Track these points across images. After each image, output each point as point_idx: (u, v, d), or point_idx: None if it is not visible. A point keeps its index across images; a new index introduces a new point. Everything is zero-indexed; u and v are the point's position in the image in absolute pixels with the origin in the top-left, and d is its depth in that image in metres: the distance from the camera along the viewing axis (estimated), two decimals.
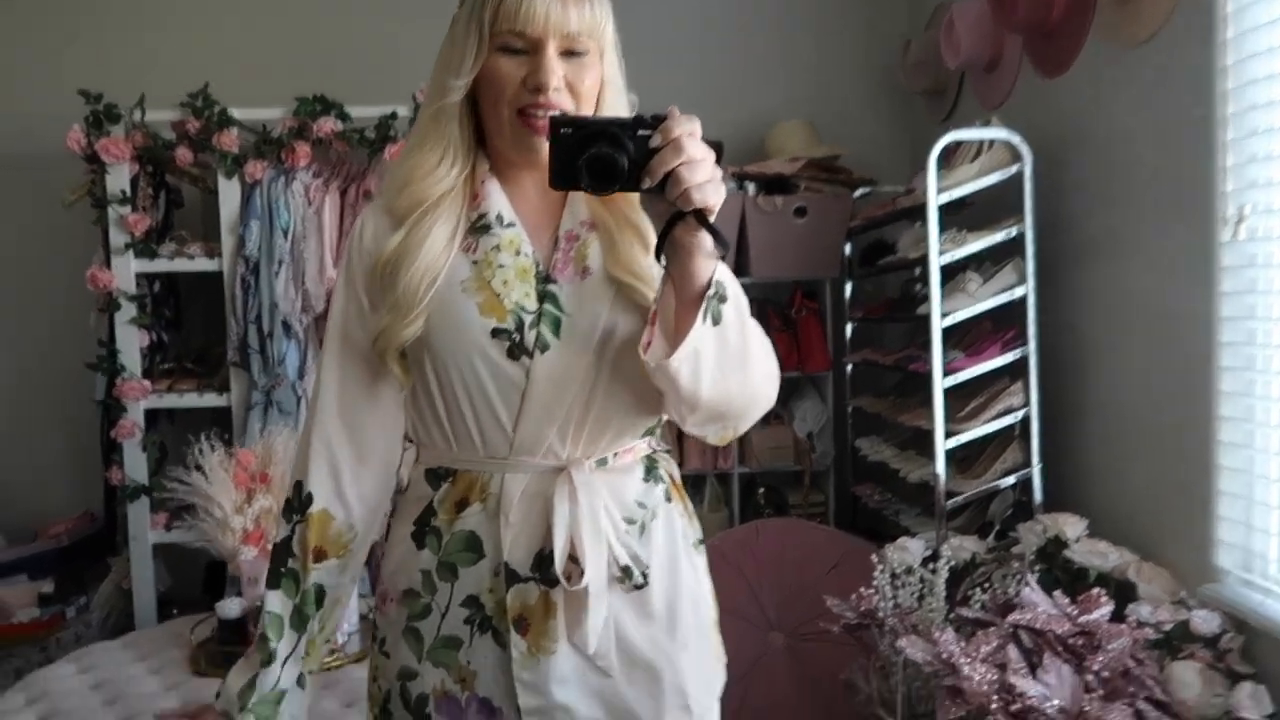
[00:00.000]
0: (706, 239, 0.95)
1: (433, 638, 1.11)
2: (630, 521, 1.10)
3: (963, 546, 2.25)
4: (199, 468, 2.25)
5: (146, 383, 2.84)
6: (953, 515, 2.53)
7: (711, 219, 0.94)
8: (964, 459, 2.53)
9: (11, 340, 3.27)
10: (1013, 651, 1.61)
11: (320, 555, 1.13)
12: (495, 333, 1.07)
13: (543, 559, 1.06)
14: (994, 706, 1.51)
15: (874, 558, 2.13)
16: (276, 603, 1.13)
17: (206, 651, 2.12)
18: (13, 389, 3.28)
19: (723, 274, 0.98)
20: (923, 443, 2.63)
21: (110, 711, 1.93)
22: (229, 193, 2.82)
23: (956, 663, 1.57)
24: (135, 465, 2.85)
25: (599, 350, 1.07)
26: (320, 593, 1.14)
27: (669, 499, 1.15)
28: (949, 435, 2.35)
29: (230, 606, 2.13)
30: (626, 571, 1.07)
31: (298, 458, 1.16)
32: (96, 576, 3.06)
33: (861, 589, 2.01)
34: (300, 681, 1.15)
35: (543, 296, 1.08)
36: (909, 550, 2.24)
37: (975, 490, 2.38)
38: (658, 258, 0.97)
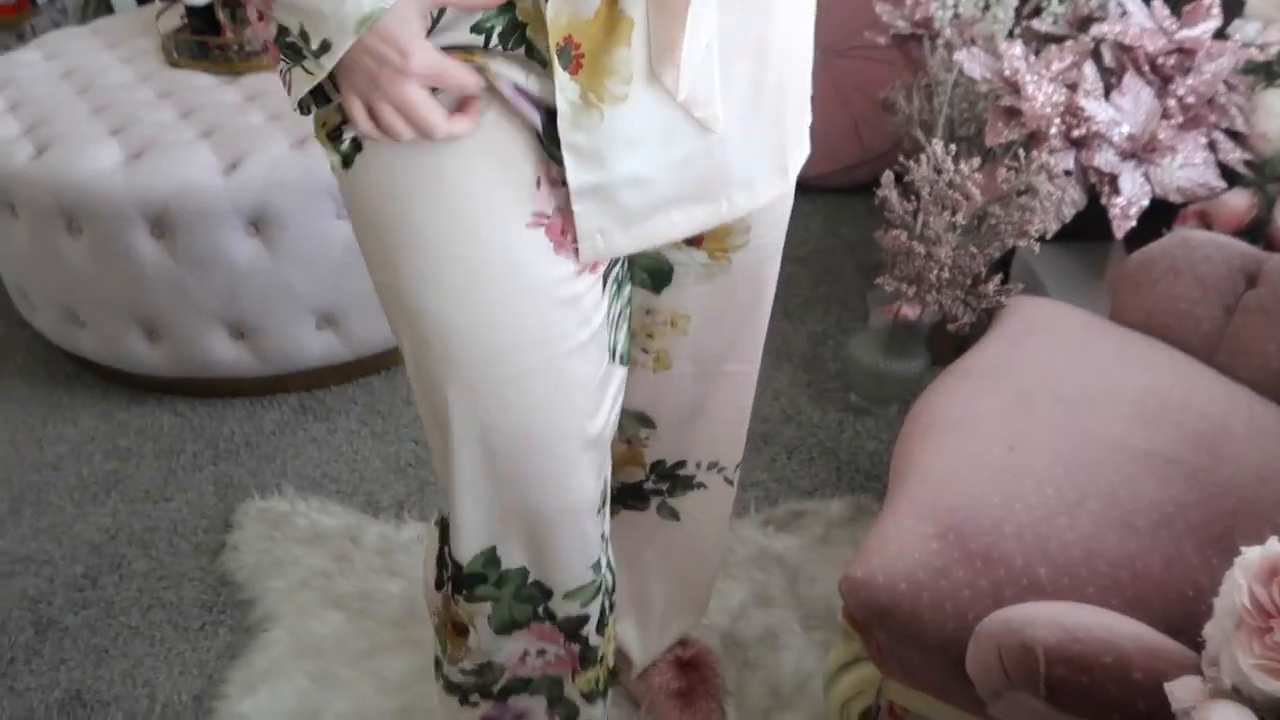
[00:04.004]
0: None
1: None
2: None
3: None
4: None
5: None
6: None
7: None
8: None
9: None
10: (1089, 69, 1.38)
11: None
12: None
13: None
14: (1053, 131, 1.32)
15: None
16: None
17: (178, 41, 1.92)
18: None
19: None
20: None
21: (83, 100, 1.79)
22: None
23: (1020, 80, 1.35)
24: None
25: None
26: None
27: None
28: None
29: None
30: None
31: None
32: None
33: None
34: None
35: None
36: None
37: None
38: None
